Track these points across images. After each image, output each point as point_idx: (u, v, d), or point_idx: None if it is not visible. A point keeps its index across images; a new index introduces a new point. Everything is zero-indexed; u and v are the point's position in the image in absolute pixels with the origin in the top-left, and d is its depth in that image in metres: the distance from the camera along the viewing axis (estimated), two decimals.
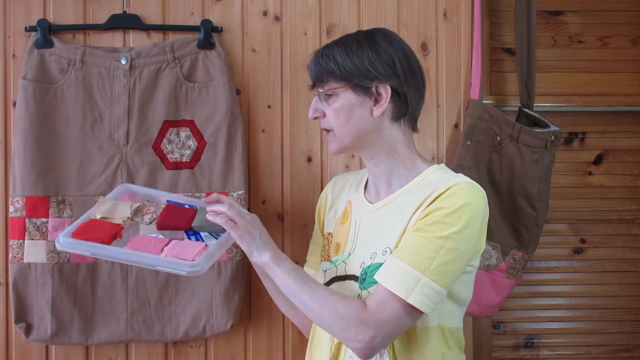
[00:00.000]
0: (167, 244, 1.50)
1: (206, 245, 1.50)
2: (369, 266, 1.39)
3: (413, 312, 1.29)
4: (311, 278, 1.40)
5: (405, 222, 1.37)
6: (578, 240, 2.22)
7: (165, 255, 1.46)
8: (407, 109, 1.43)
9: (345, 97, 1.40)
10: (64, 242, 1.51)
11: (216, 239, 1.54)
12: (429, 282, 1.28)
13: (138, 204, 1.66)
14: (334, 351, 1.44)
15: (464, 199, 1.33)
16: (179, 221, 1.55)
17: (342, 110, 1.41)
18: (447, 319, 1.40)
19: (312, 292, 1.35)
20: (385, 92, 1.40)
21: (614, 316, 2.22)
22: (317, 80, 1.44)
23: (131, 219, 1.62)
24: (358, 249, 1.45)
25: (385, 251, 1.38)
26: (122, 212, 1.63)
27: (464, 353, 1.47)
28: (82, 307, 1.84)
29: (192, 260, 1.44)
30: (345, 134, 1.42)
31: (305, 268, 1.67)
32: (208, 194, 1.86)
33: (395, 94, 1.40)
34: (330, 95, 1.41)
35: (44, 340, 1.83)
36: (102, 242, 1.51)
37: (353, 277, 1.43)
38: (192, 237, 1.55)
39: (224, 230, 1.49)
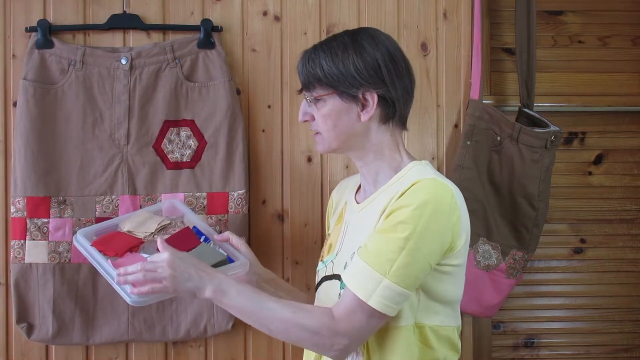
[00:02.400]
0: None
1: None
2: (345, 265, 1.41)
3: (378, 314, 1.30)
4: (266, 297, 1.35)
5: (376, 220, 1.38)
6: (578, 240, 2.22)
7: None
8: (395, 112, 1.42)
9: (332, 103, 1.40)
10: (80, 241, 1.58)
11: None
12: (390, 284, 1.27)
13: (166, 221, 1.66)
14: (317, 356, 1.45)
15: (424, 197, 1.30)
16: (181, 246, 1.50)
17: (329, 116, 1.41)
18: (426, 316, 1.37)
19: (272, 313, 1.31)
20: (372, 98, 1.39)
21: (614, 316, 2.22)
22: (305, 85, 1.44)
23: (153, 235, 1.62)
24: (344, 249, 1.46)
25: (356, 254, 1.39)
26: (148, 227, 1.63)
27: (456, 352, 1.43)
28: (84, 307, 1.84)
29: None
30: (333, 137, 1.43)
31: None
32: (209, 194, 1.87)
33: (382, 99, 1.40)
34: (318, 100, 1.42)
35: (45, 340, 1.83)
36: (116, 255, 1.51)
37: (337, 277, 1.43)
38: None
39: (221, 263, 1.50)
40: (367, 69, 1.38)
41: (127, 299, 1.42)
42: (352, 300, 1.30)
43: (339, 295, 1.39)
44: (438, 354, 1.39)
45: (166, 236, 1.58)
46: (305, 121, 1.47)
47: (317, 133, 1.46)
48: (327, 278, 1.48)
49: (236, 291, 1.34)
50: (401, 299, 1.30)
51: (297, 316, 1.31)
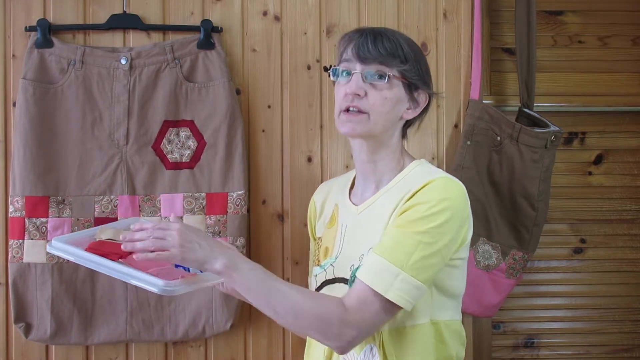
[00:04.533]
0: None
1: (193, 274, 1.41)
2: (357, 268, 1.38)
3: (392, 307, 1.29)
4: (279, 279, 1.32)
5: (386, 221, 1.37)
6: (578, 240, 2.22)
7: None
8: (423, 116, 1.46)
9: (398, 89, 1.39)
10: (55, 245, 1.42)
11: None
12: (407, 277, 1.28)
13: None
14: (327, 354, 1.44)
15: (442, 194, 1.33)
16: None
17: (390, 100, 1.38)
18: (440, 312, 1.39)
19: (283, 295, 1.28)
20: (425, 100, 1.43)
21: (614, 316, 2.22)
22: (378, 61, 1.36)
23: None
24: (345, 252, 1.44)
25: (370, 251, 1.37)
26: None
27: (464, 345, 1.45)
28: (82, 307, 1.84)
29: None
30: (381, 122, 1.39)
31: (309, 279, 1.66)
32: (208, 195, 1.87)
33: (428, 103, 1.44)
34: (387, 80, 1.37)
35: (43, 340, 1.83)
36: (121, 258, 1.41)
37: (342, 280, 1.42)
38: (180, 268, 1.46)
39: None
40: (428, 69, 1.43)
41: (155, 289, 1.31)
42: (366, 293, 1.28)
43: None
44: (451, 349, 1.40)
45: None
46: (357, 95, 1.37)
47: (360, 113, 1.38)
48: (328, 282, 1.46)
49: (248, 268, 1.30)
50: (418, 293, 1.30)
51: (308, 302, 1.29)
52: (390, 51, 1.36)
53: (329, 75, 1.44)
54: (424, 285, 1.30)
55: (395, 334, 1.36)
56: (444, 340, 1.39)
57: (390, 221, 1.36)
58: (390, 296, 1.27)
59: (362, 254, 1.39)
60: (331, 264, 1.46)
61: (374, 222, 1.40)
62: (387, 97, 1.37)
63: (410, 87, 1.39)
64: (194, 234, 1.29)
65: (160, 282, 1.30)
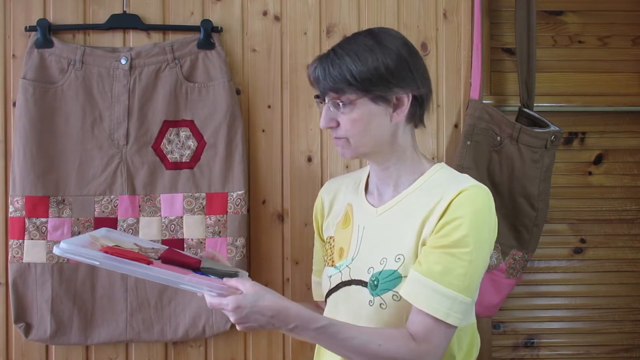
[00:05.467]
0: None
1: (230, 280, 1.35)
2: (380, 272, 1.37)
3: (453, 328, 1.31)
4: (346, 330, 1.29)
5: (417, 228, 1.35)
6: (578, 240, 2.22)
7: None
8: (422, 110, 1.42)
9: (364, 107, 1.35)
10: (67, 248, 1.26)
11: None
12: (464, 298, 1.30)
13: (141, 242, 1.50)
14: None
15: (475, 205, 1.32)
16: (186, 259, 1.39)
17: (360, 120, 1.35)
18: (472, 316, 1.44)
19: (357, 349, 1.28)
20: (407, 98, 1.37)
21: (614, 316, 2.22)
22: (330, 90, 1.36)
23: (146, 251, 1.44)
24: (363, 254, 1.43)
25: (399, 258, 1.36)
26: (129, 246, 1.43)
27: (473, 347, 1.46)
28: (82, 307, 1.84)
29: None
30: (363, 142, 1.38)
31: (313, 277, 1.66)
32: (208, 195, 1.87)
33: (414, 98, 1.38)
34: (346, 105, 1.35)
35: (43, 340, 1.83)
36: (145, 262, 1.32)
37: (360, 282, 1.40)
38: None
39: (233, 274, 1.39)
40: (397, 69, 1.35)
41: (213, 293, 1.27)
42: (428, 321, 1.30)
43: (370, 301, 1.37)
44: (465, 354, 1.42)
45: (152, 253, 1.41)
46: (329, 128, 1.39)
47: (342, 139, 1.39)
48: (344, 283, 1.44)
49: (315, 332, 1.28)
50: (470, 309, 1.35)
51: (383, 348, 1.29)
52: (337, 77, 1.34)
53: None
54: (474, 299, 1.34)
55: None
56: (461, 346, 1.40)
57: (425, 232, 1.34)
58: (451, 321, 1.29)
59: (385, 258, 1.37)
60: (347, 266, 1.45)
61: (400, 226, 1.39)
62: (355, 119, 1.35)
63: (378, 97, 1.35)
64: (250, 312, 1.25)
65: (216, 284, 1.27)
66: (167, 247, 1.47)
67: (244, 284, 1.27)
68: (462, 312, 1.30)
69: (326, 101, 1.38)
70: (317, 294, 1.64)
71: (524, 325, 2.21)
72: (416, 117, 1.42)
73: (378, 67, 1.33)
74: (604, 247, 2.23)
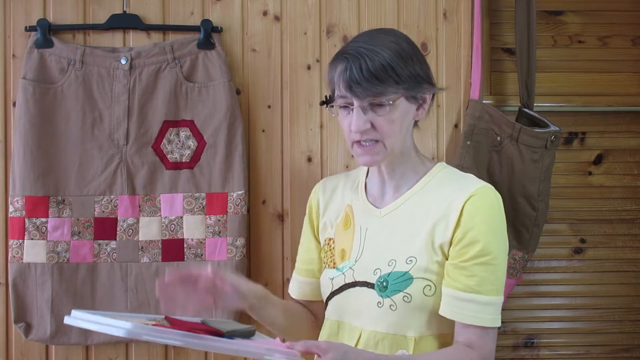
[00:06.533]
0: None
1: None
2: (389, 274, 1.36)
3: (497, 328, 1.36)
4: (416, 357, 1.34)
5: (427, 231, 1.35)
6: (578, 240, 2.22)
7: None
8: (429, 109, 1.42)
9: (402, 105, 1.33)
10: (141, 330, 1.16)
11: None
12: (499, 299, 1.34)
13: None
14: None
15: (489, 209, 1.34)
16: (194, 324, 1.29)
17: (398, 120, 1.33)
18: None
19: None
20: (429, 96, 1.38)
21: (614, 316, 2.22)
22: (372, 91, 1.29)
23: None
24: (367, 255, 1.41)
25: (410, 260, 1.35)
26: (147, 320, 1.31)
27: None
28: (82, 307, 1.84)
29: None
30: (397, 144, 1.35)
31: (295, 275, 1.61)
32: (208, 195, 1.87)
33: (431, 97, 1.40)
34: (382, 106, 1.31)
35: (43, 340, 1.83)
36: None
37: (365, 284, 1.39)
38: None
39: (252, 332, 1.35)
40: (424, 68, 1.36)
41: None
42: (478, 331, 1.33)
43: (379, 303, 1.36)
44: None
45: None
46: (362, 132, 1.32)
47: (376, 142, 1.34)
48: (349, 285, 1.42)
49: None
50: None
51: None
52: (381, 77, 1.29)
53: (326, 106, 1.39)
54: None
55: (424, 342, 1.37)
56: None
57: (437, 238, 1.34)
58: (496, 324, 1.34)
59: (394, 260, 1.36)
60: (350, 267, 1.42)
61: (407, 228, 1.38)
62: (394, 119, 1.33)
63: (412, 96, 1.34)
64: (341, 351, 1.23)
65: (291, 351, 1.23)
66: (162, 316, 1.35)
67: (319, 344, 1.23)
68: (499, 312, 1.34)
69: (356, 103, 1.31)
70: (301, 293, 1.58)
71: (524, 325, 2.21)
72: (420, 117, 1.42)
73: (413, 64, 1.32)
74: (604, 247, 2.22)
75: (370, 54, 1.29)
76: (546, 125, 2.00)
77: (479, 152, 1.94)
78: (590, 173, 2.23)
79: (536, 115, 2.03)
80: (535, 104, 2.06)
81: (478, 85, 1.94)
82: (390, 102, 1.31)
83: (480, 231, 1.32)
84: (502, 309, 2.17)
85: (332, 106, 1.37)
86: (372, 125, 1.33)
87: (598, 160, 2.22)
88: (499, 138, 1.96)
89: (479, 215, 1.33)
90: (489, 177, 1.97)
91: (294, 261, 1.95)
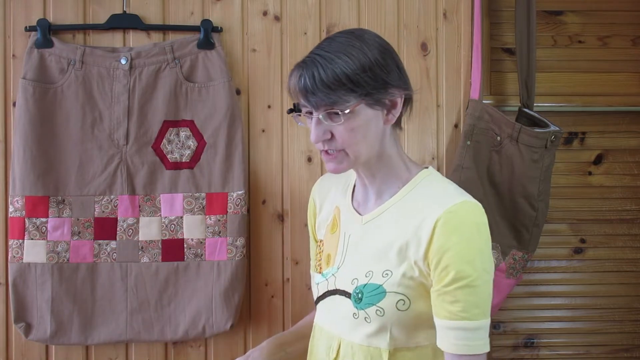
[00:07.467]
0: None
1: None
2: (365, 285, 1.33)
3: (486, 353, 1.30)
4: None
5: (402, 246, 1.30)
6: (578, 240, 2.22)
7: None
8: (406, 110, 1.35)
9: (362, 112, 1.26)
10: None
11: None
12: (487, 322, 1.27)
13: None
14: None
15: (463, 228, 1.26)
16: None
17: (359, 128, 1.26)
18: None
19: None
20: (400, 99, 1.29)
21: (614, 316, 2.22)
22: (324, 100, 1.24)
23: None
24: (347, 263, 1.39)
25: (387, 274, 1.31)
26: None
27: None
28: (82, 307, 1.84)
29: None
30: (361, 152, 1.29)
31: (311, 272, 1.61)
32: (208, 195, 1.87)
33: (405, 99, 1.32)
34: (338, 115, 1.25)
35: (43, 340, 1.83)
36: None
37: (344, 293, 1.37)
38: None
39: None
40: (388, 66, 1.27)
41: None
42: (473, 358, 1.27)
43: (354, 314, 1.33)
44: None
45: None
46: (324, 141, 1.28)
47: (338, 152, 1.29)
48: (331, 292, 1.41)
49: None
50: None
51: None
52: (334, 86, 1.23)
53: (292, 115, 1.35)
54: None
55: (399, 355, 1.34)
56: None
57: (410, 255, 1.29)
58: (487, 349, 1.27)
59: (371, 271, 1.33)
60: (333, 274, 1.41)
61: (382, 239, 1.34)
62: (354, 128, 1.26)
63: (375, 101, 1.27)
64: None
65: None
66: None
67: None
68: (488, 334, 1.28)
69: (315, 113, 1.27)
70: None
71: (524, 325, 2.21)
72: (400, 119, 1.35)
73: (372, 66, 1.25)
74: (604, 247, 2.23)
75: (324, 62, 1.24)
76: (546, 125, 2.00)
77: (479, 152, 1.94)
78: (590, 173, 2.23)
79: (536, 115, 2.03)
80: (535, 104, 2.06)
81: (478, 85, 1.95)
82: (346, 112, 1.24)
83: (455, 253, 1.24)
84: (502, 309, 2.20)
85: (299, 114, 1.33)
86: (332, 135, 1.28)
87: (598, 160, 2.23)
88: (499, 138, 1.96)
89: (453, 236, 1.25)
90: (489, 177, 1.97)
91: (294, 261, 1.96)
